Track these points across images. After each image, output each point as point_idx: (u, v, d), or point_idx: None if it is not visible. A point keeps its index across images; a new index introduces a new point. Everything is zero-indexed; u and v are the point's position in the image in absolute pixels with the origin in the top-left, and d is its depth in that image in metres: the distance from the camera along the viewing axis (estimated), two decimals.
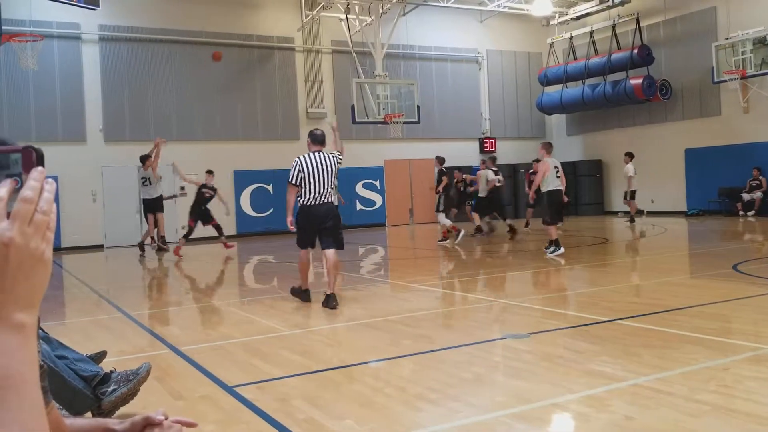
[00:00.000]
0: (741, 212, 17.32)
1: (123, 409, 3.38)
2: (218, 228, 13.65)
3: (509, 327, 5.53)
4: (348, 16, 18.52)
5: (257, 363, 4.62)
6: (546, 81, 22.01)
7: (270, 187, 19.06)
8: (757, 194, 17.11)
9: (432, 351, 4.78)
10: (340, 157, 7.08)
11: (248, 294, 8.78)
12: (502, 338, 5.03)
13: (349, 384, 4.02)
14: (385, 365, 4.47)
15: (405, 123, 17.69)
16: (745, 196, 17.35)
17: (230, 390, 3.91)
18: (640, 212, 18.23)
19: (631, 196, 17.22)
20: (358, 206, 20.25)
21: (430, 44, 21.53)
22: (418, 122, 18.25)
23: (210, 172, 13.81)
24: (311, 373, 4.33)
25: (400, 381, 4.04)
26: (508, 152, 22.61)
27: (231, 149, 18.62)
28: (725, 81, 17.67)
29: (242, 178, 18.77)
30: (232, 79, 18.86)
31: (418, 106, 17.90)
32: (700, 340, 4.62)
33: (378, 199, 20.74)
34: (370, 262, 12.47)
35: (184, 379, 4.29)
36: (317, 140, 6.79)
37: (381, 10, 18.02)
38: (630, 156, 17.28)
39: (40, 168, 0.75)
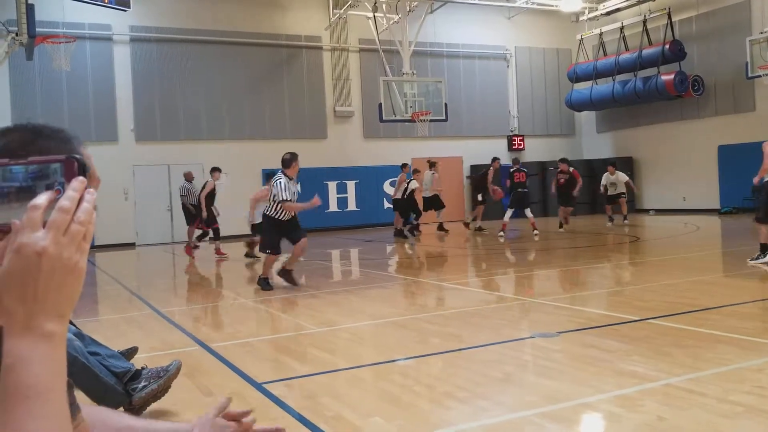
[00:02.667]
0: None
1: (153, 406, 3.43)
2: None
3: (538, 326, 5.48)
4: (375, 14, 18.53)
5: (285, 360, 4.65)
6: (575, 78, 21.75)
7: (298, 186, 19.14)
8: None
9: (460, 349, 4.76)
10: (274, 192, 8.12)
11: (276, 292, 8.84)
12: (531, 337, 4.98)
13: (376, 382, 4.02)
14: (413, 363, 4.46)
15: (432, 121, 17.64)
16: None
17: (259, 386, 3.94)
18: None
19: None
20: (386, 204, 20.23)
21: (457, 42, 21.43)
22: (446, 120, 18.18)
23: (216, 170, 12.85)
24: (339, 370, 4.34)
25: (428, 379, 4.03)
26: (536, 150, 22.42)
27: (259, 148, 18.75)
28: (760, 76, 17.27)
29: (267, 177, 18.88)
30: (261, 79, 19.00)
31: (445, 104, 17.84)
32: (733, 340, 4.52)
33: None
34: (397, 260, 12.46)
35: (213, 375, 4.33)
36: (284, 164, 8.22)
37: (408, 8, 17.99)
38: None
39: (81, 178, 0.75)
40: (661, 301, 6.26)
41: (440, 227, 16.29)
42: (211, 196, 12.49)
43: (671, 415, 3.16)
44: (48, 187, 0.75)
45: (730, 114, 18.68)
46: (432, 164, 16.21)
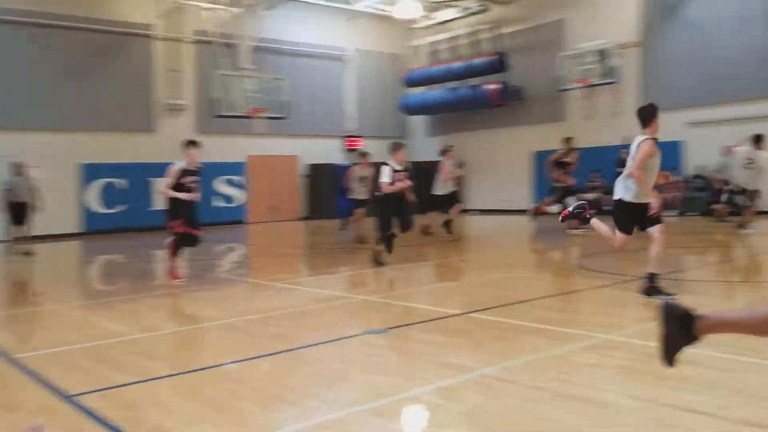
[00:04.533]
0: None
1: None
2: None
3: (368, 323, 5.60)
4: (214, 5, 17.89)
5: (102, 369, 4.34)
6: (410, 83, 22.61)
7: (125, 182, 17.99)
8: (597, 194, 18.56)
9: (291, 350, 4.74)
10: None
11: (94, 296, 8.24)
12: (361, 334, 5.08)
13: (203, 388, 3.88)
14: (242, 367, 4.36)
15: (270, 119, 17.42)
16: (587, 197, 18.73)
17: (69, 399, 3.64)
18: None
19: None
20: (215, 202, 19.54)
21: (299, 40, 21.33)
22: (286, 118, 18.01)
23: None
24: (162, 378, 4.14)
25: (257, 382, 3.96)
26: (372, 151, 22.87)
27: (77, 140, 17.35)
28: (570, 89, 19.03)
29: (91, 172, 17.56)
30: (81, 67, 17.55)
31: (288, 102, 17.68)
32: (540, 330, 4.94)
33: (238, 195, 20.25)
34: (228, 260, 12.14)
35: (18, 389, 3.94)
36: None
37: (247, 1, 17.58)
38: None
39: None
40: (480, 296, 6.67)
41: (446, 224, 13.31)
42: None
43: (486, 403, 3.37)
44: None
45: (544, 123, 20.36)
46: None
